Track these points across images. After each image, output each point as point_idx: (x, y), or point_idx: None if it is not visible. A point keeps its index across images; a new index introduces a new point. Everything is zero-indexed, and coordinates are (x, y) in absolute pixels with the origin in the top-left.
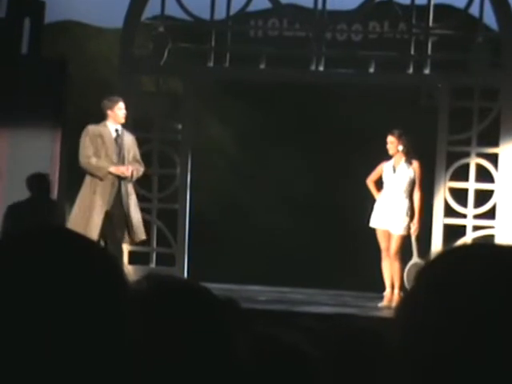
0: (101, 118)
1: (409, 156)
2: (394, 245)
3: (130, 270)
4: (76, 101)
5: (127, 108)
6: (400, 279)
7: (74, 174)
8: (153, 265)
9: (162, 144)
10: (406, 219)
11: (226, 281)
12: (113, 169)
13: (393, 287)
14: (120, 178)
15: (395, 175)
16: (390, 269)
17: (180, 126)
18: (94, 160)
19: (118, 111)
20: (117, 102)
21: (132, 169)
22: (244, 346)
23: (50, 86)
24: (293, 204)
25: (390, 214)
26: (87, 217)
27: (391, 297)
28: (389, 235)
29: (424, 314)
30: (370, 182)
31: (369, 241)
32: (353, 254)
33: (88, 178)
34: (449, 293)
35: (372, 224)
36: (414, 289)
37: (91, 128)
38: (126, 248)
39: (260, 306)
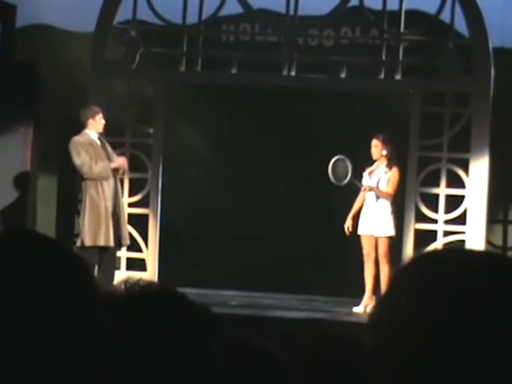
0: (72, 121)
1: (391, 161)
2: (382, 248)
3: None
4: (48, 104)
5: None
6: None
7: (46, 178)
8: (123, 270)
9: (134, 148)
10: (391, 220)
11: (198, 285)
12: (113, 164)
13: (373, 292)
14: (114, 178)
15: (371, 181)
16: (371, 273)
17: (151, 131)
18: (94, 165)
19: (100, 121)
20: (98, 112)
21: (123, 158)
22: (219, 351)
23: (21, 90)
24: (265, 208)
25: (373, 219)
26: (106, 223)
27: (370, 301)
28: (372, 240)
29: (397, 320)
30: (350, 218)
31: (341, 245)
32: (325, 259)
33: (89, 186)
34: (421, 299)
35: (359, 231)
36: (388, 294)
37: (78, 139)
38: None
39: (231, 311)
